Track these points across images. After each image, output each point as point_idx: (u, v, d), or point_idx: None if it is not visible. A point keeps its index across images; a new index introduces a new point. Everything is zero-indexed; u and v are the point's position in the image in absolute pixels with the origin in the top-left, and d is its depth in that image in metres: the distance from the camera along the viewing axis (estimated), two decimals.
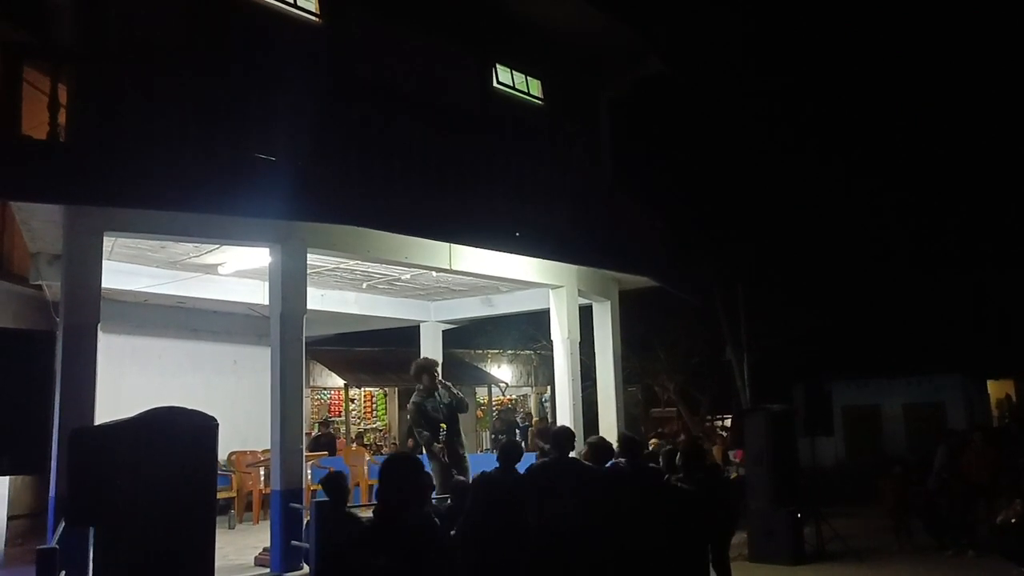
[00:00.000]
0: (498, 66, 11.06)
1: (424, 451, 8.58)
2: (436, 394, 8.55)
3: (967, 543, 10.54)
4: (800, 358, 19.48)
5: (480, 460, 11.64)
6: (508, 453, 6.11)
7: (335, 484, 6.33)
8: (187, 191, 6.94)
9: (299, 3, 8.98)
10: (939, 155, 23.13)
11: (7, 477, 8.33)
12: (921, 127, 23.34)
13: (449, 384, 8.82)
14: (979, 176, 22.75)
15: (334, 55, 9.20)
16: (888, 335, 21.38)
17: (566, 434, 6.45)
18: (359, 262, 9.68)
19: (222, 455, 10.64)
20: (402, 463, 3.71)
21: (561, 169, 10.73)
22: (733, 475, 13.29)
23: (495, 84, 11.02)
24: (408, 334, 13.79)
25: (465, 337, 18.35)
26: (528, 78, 11.44)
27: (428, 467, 7.66)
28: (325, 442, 13.90)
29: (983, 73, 22.64)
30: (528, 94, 11.44)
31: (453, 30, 10.38)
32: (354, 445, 14.65)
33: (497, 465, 6.01)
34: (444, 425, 8.54)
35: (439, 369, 8.81)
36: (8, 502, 8.76)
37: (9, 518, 8.94)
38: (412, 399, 8.64)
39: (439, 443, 8.43)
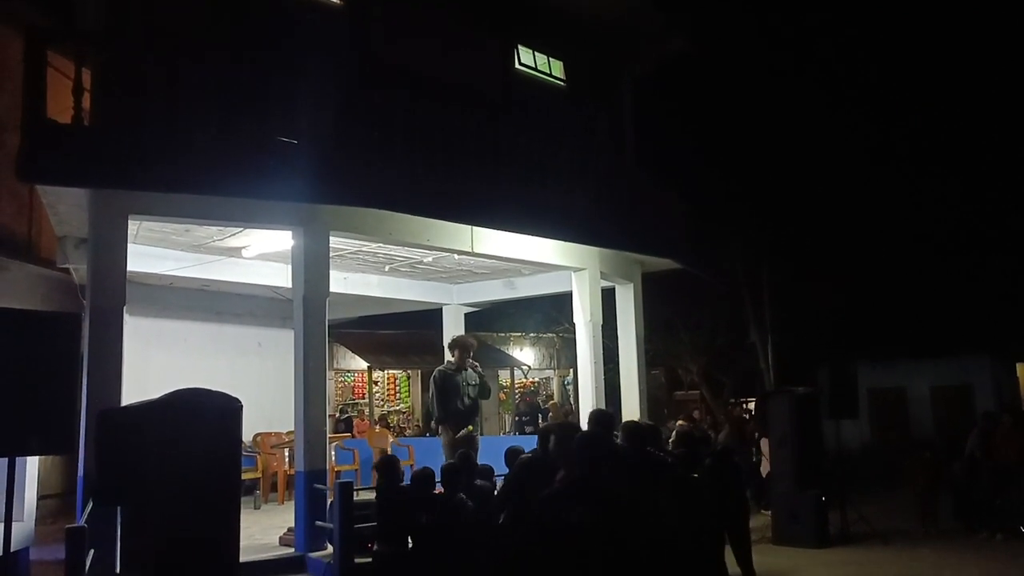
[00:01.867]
0: (520, 47, 10.99)
1: (436, 426, 8.64)
2: (464, 372, 8.60)
3: (996, 527, 10.44)
4: (825, 340, 19.31)
5: (502, 442, 11.68)
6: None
7: (388, 465, 6.45)
8: (210, 174, 6.97)
9: None
10: (968, 132, 22.73)
11: (37, 457, 8.46)
12: (951, 104, 22.94)
13: (476, 364, 8.83)
14: (1010, 153, 22.33)
15: (356, 38, 9.17)
16: (915, 316, 21.13)
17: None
18: (381, 245, 9.68)
19: (247, 436, 10.75)
20: (593, 437, 4.72)
21: (584, 150, 10.65)
22: (754, 458, 13.22)
23: (517, 65, 10.95)
24: (431, 317, 13.82)
25: (487, 320, 18.39)
26: (550, 59, 11.35)
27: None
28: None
29: (1017, 47, 22.15)
30: (550, 75, 11.36)
31: (474, 11, 10.30)
32: (377, 427, 14.76)
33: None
34: (468, 401, 8.56)
35: (473, 351, 8.85)
36: (38, 482, 8.90)
37: (39, 498, 9.08)
38: (439, 368, 8.66)
39: (469, 427, 8.45)
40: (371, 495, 7.37)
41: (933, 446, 12.20)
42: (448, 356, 9.02)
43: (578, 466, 4.50)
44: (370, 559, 6.46)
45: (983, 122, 22.83)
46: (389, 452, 11.98)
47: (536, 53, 11.17)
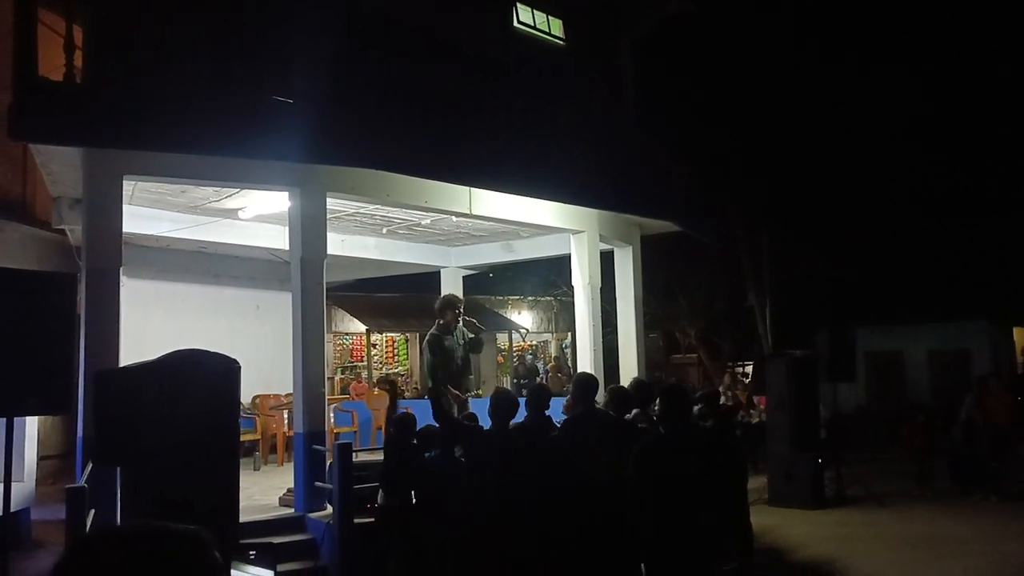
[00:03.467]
0: (519, 4, 10.80)
1: (432, 389, 8.60)
2: (455, 333, 8.51)
3: (990, 488, 10.54)
4: (823, 303, 19.32)
5: None
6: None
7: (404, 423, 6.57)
8: (205, 133, 6.89)
9: None
10: (969, 95, 22.54)
11: (36, 418, 8.48)
12: (952, 66, 22.71)
13: (474, 320, 8.77)
14: (1011, 116, 22.16)
15: None
16: (913, 280, 21.13)
17: (590, 383, 6.38)
18: (379, 207, 9.62)
19: (246, 398, 10.77)
20: (678, 391, 5.13)
21: (582, 111, 10.54)
22: (755, 420, 13.32)
23: (515, 23, 10.77)
24: (428, 280, 13.80)
25: (485, 283, 18.37)
26: (549, 17, 11.16)
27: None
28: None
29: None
30: (549, 34, 11.18)
31: None
32: (376, 390, 14.81)
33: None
34: (459, 363, 8.54)
35: (462, 308, 8.74)
36: (38, 443, 8.94)
37: (39, 458, 9.14)
38: (431, 332, 8.58)
39: (463, 388, 8.44)
40: (369, 456, 7.43)
41: (928, 409, 12.27)
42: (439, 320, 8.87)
43: (669, 419, 4.95)
44: (370, 519, 6.50)
45: (985, 85, 22.64)
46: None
47: (535, 11, 10.98)
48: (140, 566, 1.17)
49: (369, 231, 11.20)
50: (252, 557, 4.72)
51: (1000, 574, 7.58)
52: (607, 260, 11.58)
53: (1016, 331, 22.53)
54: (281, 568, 5.90)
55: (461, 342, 8.50)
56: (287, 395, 10.52)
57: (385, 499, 6.27)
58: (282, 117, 7.21)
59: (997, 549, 8.19)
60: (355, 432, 11.63)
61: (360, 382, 16.71)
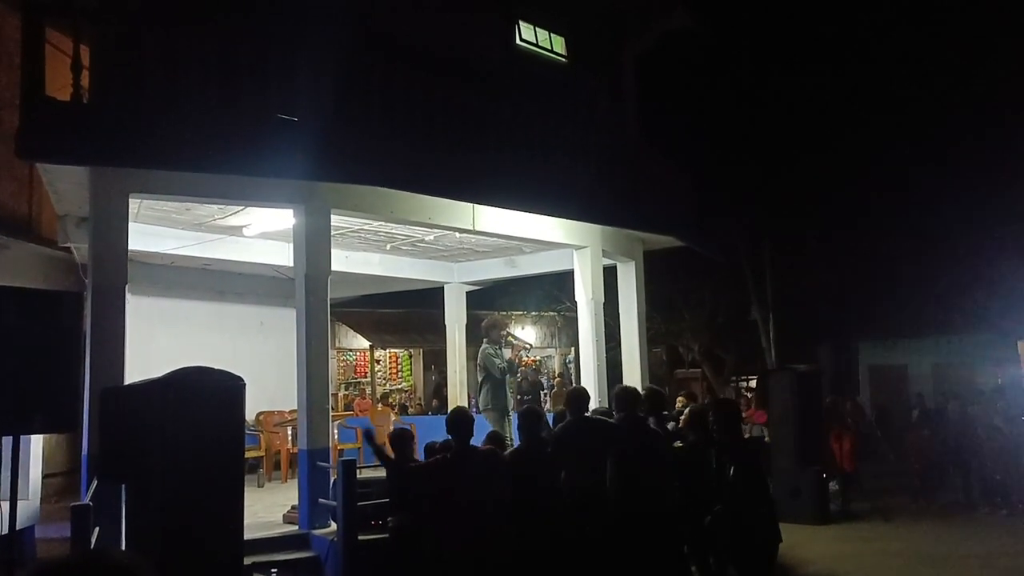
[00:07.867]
0: (521, 23, 10.88)
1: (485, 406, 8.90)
2: (501, 352, 8.89)
3: (998, 502, 10.50)
4: (827, 318, 19.29)
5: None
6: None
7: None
8: (210, 151, 6.93)
9: None
10: (970, 115, 22.58)
11: (41, 436, 8.48)
12: (954, 85, 22.76)
13: (513, 342, 9.21)
14: (1010, 132, 22.19)
15: (357, 12, 9.07)
16: (917, 294, 21.10)
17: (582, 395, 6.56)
18: (382, 223, 9.66)
19: (250, 415, 10.78)
20: (732, 404, 6.44)
21: (585, 127, 10.58)
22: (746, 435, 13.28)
23: (518, 41, 10.85)
24: (432, 296, 13.81)
25: (489, 298, 18.32)
26: (551, 35, 11.25)
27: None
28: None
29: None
30: (551, 51, 11.26)
31: None
32: (380, 405, 14.81)
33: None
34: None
35: (507, 330, 9.21)
36: (43, 461, 8.94)
37: (44, 476, 9.13)
38: (486, 349, 8.95)
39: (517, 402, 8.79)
40: (373, 473, 7.42)
41: (933, 424, 12.24)
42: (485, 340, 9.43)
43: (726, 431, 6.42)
44: (374, 536, 6.49)
45: (986, 105, 22.68)
46: (391, 430, 12.03)
47: (537, 29, 11.06)
48: None
49: (373, 247, 11.24)
50: (274, 573, 4.72)
51: None
52: (610, 275, 11.59)
53: (1020, 344, 22.45)
54: None
55: (507, 359, 9.19)
56: (291, 412, 10.52)
57: (396, 519, 6.25)
58: (287, 135, 7.26)
59: (1007, 565, 8.14)
60: (359, 448, 11.61)
61: (364, 398, 16.71)
